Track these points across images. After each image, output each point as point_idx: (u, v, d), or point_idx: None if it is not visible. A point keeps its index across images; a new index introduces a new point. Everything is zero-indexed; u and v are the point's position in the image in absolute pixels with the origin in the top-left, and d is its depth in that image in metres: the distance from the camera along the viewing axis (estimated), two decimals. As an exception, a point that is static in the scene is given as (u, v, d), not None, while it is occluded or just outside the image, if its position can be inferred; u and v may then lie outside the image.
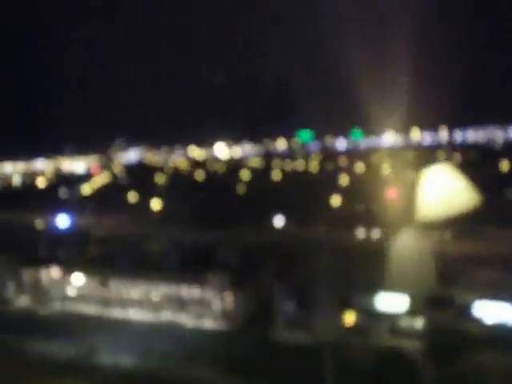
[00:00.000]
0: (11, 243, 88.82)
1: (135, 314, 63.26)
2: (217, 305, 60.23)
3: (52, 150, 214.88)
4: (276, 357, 50.71)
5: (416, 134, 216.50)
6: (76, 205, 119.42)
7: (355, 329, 54.37)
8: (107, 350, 53.73)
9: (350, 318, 54.85)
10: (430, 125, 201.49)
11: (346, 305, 55.12)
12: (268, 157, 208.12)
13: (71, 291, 68.03)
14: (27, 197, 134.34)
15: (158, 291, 63.08)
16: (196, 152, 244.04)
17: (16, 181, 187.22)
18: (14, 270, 72.22)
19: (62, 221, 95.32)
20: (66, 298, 67.94)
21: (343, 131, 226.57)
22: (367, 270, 56.83)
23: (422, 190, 66.78)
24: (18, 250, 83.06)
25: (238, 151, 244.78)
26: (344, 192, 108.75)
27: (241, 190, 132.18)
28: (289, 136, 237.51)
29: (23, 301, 69.14)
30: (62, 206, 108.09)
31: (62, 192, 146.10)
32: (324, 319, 53.11)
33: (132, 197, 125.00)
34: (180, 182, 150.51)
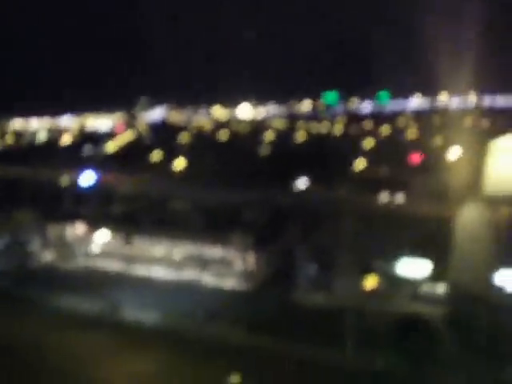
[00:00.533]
0: (36, 199, 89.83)
1: (158, 272, 63.84)
2: (239, 265, 60.50)
3: (77, 107, 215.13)
4: (296, 318, 50.94)
5: (444, 98, 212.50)
6: (100, 162, 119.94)
7: (376, 293, 54.27)
8: (130, 307, 54.38)
9: (371, 282, 54.70)
10: (459, 89, 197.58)
11: (368, 269, 54.94)
12: (292, 118, 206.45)
13: (95, 248, 68.80)
14: (52, 153, 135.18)
15: (180, 250, 63.51)
16: (219, 112, 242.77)
17: (41, 137, 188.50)
18: (39, 226, 73.18)
19: (87, 178, 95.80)
20: (89, 254, 68.77)
21: (370, 93, 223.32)
22: (390, 234, 56.45)
23: (485, 160, 64.07)
24: (43, 205, 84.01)
25: (262, 112, 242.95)
26: (368, 155, 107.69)
27: (264, 151, 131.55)
28: (314, 97, 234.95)
29: (48, 256, 70.10)
30: (87, 163, 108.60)
31: (87, 149, 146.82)
32: (345, 282, 53.04)
33: (156, 155, 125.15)
34: (203, 142, 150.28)
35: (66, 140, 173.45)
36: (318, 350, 44.81)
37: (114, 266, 66.39)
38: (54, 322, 51.85)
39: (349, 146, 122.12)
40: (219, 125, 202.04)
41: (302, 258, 56.92)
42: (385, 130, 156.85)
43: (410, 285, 54.44)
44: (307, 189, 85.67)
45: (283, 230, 63.22)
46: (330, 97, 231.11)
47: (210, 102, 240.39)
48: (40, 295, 57.82)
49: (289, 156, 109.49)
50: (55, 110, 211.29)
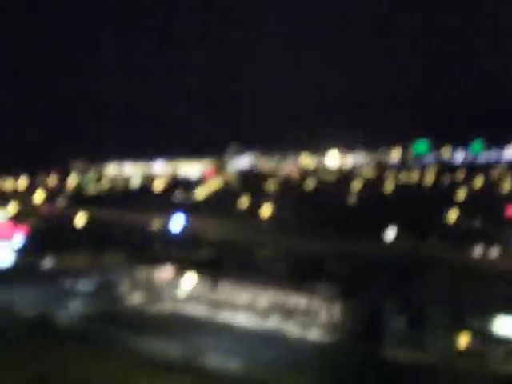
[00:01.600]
0: (128, 241, 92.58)
1: (242, 319, 63.44)
2: (324, 316, 59.09)
3: (169, 152, 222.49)
4: (384, 375, 48.75)
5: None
6: (190, 207, 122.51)
7: (470, 351, 51.28)
8: (213, 353, 54.08)
9: (464, 339, 51.81)
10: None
11: (461, 326, 52.15)
12: (381, 167, 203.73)
13: (182, 292, 69.44)
14: (145, 197, 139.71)
15: (265, 298, 62.94)
16: (307, 160, 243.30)
17: (135, 181, 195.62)
18: (129, 268, 74.95)
19: (176, 222, 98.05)
20: (176, 298, 69.42)
21: (462, 142, 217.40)
22: (485, 289, 53.63)
23: None
24: (133, 247, 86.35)
25: (349, 160, 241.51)
26: (461, 207, 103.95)
27: (352, 200, 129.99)
28: (404, 146, 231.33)
29: (136, 298, 71.38)
30: (177, 208, 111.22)
31: (177, 194, 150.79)
32: (437, 339, 50.48)
33: (243, 202, 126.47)
34: (291, 190, 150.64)
35: (158, 185, 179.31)
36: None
37: (199, 310, 66.64)
38: (137, 364, 52.24)
39: (440, 196, 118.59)
40: (307, 172, 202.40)
41: (390, 311, 54.81)
42: (478, 180, 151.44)
43: (507, 344, 51.09)
44: (396, 240, 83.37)
45: (371, 281, 61.38)
46: (421, 145, 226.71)
47: (298, 150, 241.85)
48: (126, 337, 58.65)
49: (377, 206, 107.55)
50: (149, 156, 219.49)
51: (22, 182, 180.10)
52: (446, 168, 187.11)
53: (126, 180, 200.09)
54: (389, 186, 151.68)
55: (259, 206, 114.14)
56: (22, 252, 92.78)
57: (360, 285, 60.89)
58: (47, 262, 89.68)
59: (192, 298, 68.31)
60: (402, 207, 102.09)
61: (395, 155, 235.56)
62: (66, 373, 50.51)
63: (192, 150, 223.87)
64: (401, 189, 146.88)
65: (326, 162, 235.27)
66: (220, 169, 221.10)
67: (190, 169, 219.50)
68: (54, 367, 51.74)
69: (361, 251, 71.30)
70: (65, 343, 57.70)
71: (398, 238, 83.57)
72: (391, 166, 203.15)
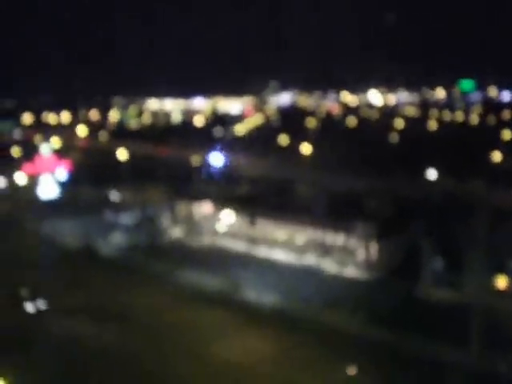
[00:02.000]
0: (168, 177, 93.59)
1: (279, 255, 64.26)
2: (361, 253, 59.38)
3: (210, 89, 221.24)
4: (419, 313, 49.15)
5: None
6: (229, 144, 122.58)
7: (508, 293, 51.06)
8: (250, 287, 55.18)
9: (503, 281, 51.54)
10: None
11: (500, 268, 51.77)
12: (424, 106, 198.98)
13: (221, 227, 70.47)
14: (185, 134, 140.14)
15: (302, 234, 63.43)
16: (348, 97, 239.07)
17: (176, 118, 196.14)
18: (169, 202, 76.19)
19: (216, 159, 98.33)
20: (215, 232, 70.57)
21: (509, 82, 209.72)
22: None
23: None
24: (173, 183, 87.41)
25: (392, 99, 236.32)
26: (506, 148, 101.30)
27: (394, 138, 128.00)
28: (448, 85, 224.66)
29: (176, 232, 72.82)
30: (216, 145, 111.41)
31: (217, 131, 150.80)
32: (475, 280, 50.31)
33: (283, 139, 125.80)
34: (331, 128, 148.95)
35: (198, 121, 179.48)
36: (439, 348, 42.95)
37: (237, 245, 67.72)
38: (178, 296, 53.83)
39: (486, 136, 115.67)
40: (348, 110, 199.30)
41: (428, 251, 54.68)
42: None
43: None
44: (438, 180, 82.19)
45: (410, 220, 61.11)
46: (467, 84, 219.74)
47: (339, 87, 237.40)
48: (166, 269, 60.24)
49: (419, 145, 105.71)
50: (189, 92, 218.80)
51: (65, 117, 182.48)
52: (491, 108, 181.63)
53: (167, 115, 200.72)
54: (432, 125, 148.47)
55: (299, 143, 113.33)
56: (66, 185, 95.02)
57: (398, 223, 60.73)
58: (90, 195, 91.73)
59: (230, 233, 69.29)
60: (445, 147, 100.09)
61: (439, 94, 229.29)
62: (108, 302, 52.50)
63: (232, 87, 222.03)
64: (445, 128, 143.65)
65: (368, 100, 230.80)
66: (260, 106, 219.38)
67: (230, 105, 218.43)
68: (97, 297, 53.81)
69: (401, 190, 70.49)
70: (108, 273, 59.70)
71: (439, 177, 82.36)
72: (435, 105, 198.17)
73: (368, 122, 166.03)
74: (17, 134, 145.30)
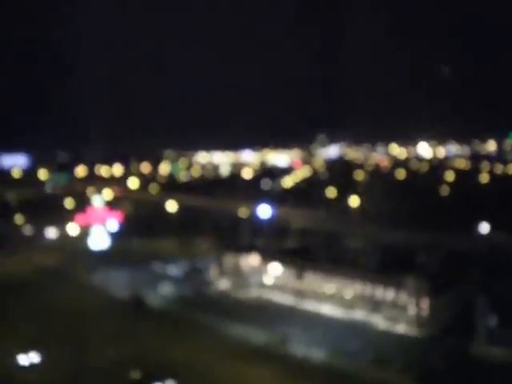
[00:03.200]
0: (216, 228, 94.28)
1: (327, 309, 63.25)
2: (412, 310, 57.88)
3: (258, 142, 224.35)
4: (474, 371, 47.29)
5: None
6: (277, 196, 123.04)
7: None
8: (298, 341, 54.32)
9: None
10: None
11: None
12: (475, 158, 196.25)
13: (268, 279, 70.01)
14: (233, 186, 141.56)
15: (352, 289, 62.39)
16: (397, 150, 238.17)
17: (224, 170, 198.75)
18: (217, 254, 76.36)
19: (264, 211, 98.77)
20: (262, 285, 70.07)
21: None
22: None
23: None
24: (222, 234, 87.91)
25: (441, 151, 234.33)
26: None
27: (444, 191, 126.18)
28: (499, 138, 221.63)
29: (224, 283, 72.69)
30: (265, 197, 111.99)
31: (265, 183, 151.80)
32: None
33: (331, 192, 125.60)
34: (380, 180, 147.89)
35: (246, 174, 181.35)
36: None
37: (284, 298, 67.05)
38: (225, 349, 53.37)
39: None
40: (397, 163, 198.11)
41: (482, 307, 52.94)
42: None
43: None
44: (490, 234, 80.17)
45: (462, 276, 59.48)
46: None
47: (388, 140, 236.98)
48: (214, 321, 59.98)
49: (471, 198, 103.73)
50: (237, 145, 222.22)
51: (117, 169, 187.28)
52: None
53: (215, 168, 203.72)
54: (484, 178, 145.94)
55: (348, 196, 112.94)
56: (117, 236, 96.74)
57: (451, 279, 59.15)
58: (140, 246, 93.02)
59: (278, 286, 68.72)
60: (497, 200, 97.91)
61: (490, 146, 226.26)
62: (157, 354, 52.46)
63: (280, 141, 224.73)
64: (497, 181, 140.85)
65: (417, 152, 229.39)
66: (308, 158, 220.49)
67: (278, 158, 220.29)
68: (147, 348, 53.86)
69: (453, 244, 68.97)
70: (155, 325, 59.82)
71: (492, 232, 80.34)
72: (486, 158, 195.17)
73: (417, 175, 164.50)
74: (70, 185, 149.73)
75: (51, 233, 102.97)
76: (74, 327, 59.13)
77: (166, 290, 71.68)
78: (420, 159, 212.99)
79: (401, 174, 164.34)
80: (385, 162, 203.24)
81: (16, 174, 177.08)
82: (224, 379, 47.67)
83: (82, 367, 50.13)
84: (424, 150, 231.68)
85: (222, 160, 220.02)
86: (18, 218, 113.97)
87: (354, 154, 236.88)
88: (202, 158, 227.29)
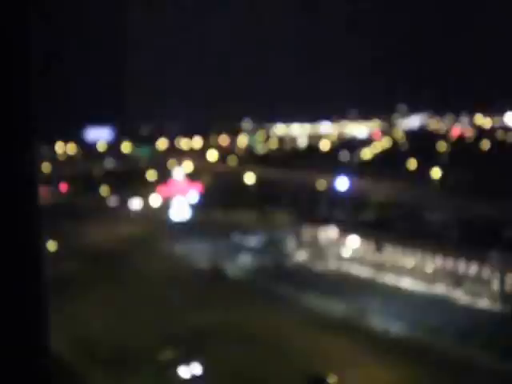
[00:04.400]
0: (295, 200, 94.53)
1: (407, 283, 62.46)
2: (496, 284, 56.26)
3: (337, 113, 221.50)
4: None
5: None
6: (356, 168, 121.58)
7: None
8: (377, 314, 54.04)
9: None
10: None
11: None
12: None
13: (346, 252, 69.81)
14: (312, 158, 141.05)
15: (433, 262, 61.28)
16: (482, 120, 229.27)
17: (302, 142, 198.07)
18: (295, 226, 76.78)
19: (342, 183, 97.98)
20: (340, 258, 70.00)
21: None
22: None
23: None
24: (299, 207, 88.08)
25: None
26: None
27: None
28: None
29: (301, 256, 73.07)
30: (343, 169, 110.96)
31: (344, 155, 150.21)
32: None
33: (412, 164, 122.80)
34: (464, 151, 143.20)
35: (324, 146, 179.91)
36: None
37: (363, 271, 66.69)
38: (302, 319, 53.85)
39: None
40: (481, 133, 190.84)
41: None
42: None
43: None
44: None
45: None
46: None
47: (472, 110, 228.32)
48: (292, 292, 60.57)
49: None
50: (316, 117, 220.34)
51: (196, 142, 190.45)
52: None
53: (293, 140, 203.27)
54: None
55: (429, 168, 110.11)
56: (197, 208, 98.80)
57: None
58: (219, 218, 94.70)
59: (356, 258, 68.42)
60: None
61: None
62: (235, 322, 53.64)
63: (359, 111, 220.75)
64: None
65: (505, 122, 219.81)
66: (388, 129, 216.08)
67: (357, 129, 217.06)
68: (225, 316, 55.19)
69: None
70: (235, 294, 61.10)
71: None
72: None
73: (504, 146, 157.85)
74: (152, 158, 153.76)
75: (135, 204, 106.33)
76: (157, 294, 61.32)
77: (245, 260, 72.84)
78: (507, 129, 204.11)
79: (485, 144, 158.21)
80: (469, 133, 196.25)
81: (101, 147, 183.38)
82: (303, 348, 48.15)
83: (162, 332, 51.87)
84: (511, 119, 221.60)
85: (299, 132, 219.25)
86: (104, 190, 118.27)
87: (436, 124, 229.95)
88: (280, 130, 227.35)
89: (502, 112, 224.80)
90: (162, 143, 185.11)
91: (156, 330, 51.73)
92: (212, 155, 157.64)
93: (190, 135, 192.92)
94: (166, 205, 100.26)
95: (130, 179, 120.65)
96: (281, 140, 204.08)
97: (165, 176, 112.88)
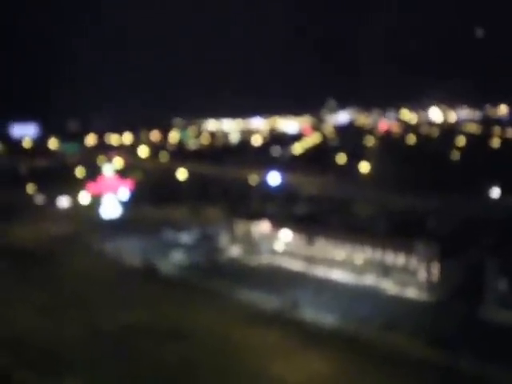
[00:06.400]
0: (227, 196, 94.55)
1: (338, 275, 63.59)
2: (422, 274, 58.05)
3: (269, 108, 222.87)
4: (484, 335, 47.59)
5: None
6: (287, 163, 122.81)
7: None
8: (309, 306, 54.78)
9: None
10: None
11: None
12: (487, 123, 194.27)
13: (278, 246, 70.33)
14: (243, 153, 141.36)
15: (362, 254, 62.57)
16: (408, 115, 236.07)
17: (233, 137, 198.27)
18: (228, 221, 76.70)
19: (273, 178, 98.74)
20: (273, 251, 70.48)
21: None
22: None
23: None
24: (232, 202, 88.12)
25: (452, 116, 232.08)
26: None
27: (455, 156, 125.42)
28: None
29: (235, 250, 73.13)
30: (274, 164, 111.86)
31: (275, 150, 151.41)
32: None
33: (341, 158, 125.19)
34: (390, 146, 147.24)
35: (255, 141, 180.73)
36: (502, 371, 41.43)
37: (295, 264, 67.41)
38: (235, 314, 53.95)
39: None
40: (407, 128, 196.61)
41: (492, 271, 53.01)
42: None
43: None
44: (501, 198, 79.83)
45: (472, 240, 59.44)
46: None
47: (398, 105, 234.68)
48: (225, 288, 60.53)
49: (482, 163, 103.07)
50: (246, 112, 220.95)
51: (127, 138, 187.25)
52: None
53: (225, 136, 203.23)
54: (495, 143, 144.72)
55: (357, 162, 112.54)
56: (128, 204, 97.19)
57: (461, 243, 59.13)
58: (151, 214, 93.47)
59: (288, 252, 69.03)
60: (508, 164, 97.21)
61: (503, 111, 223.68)
62: (168, 319, 53.18)
63: (290, 107, 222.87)
64: (509, 146, 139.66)
65: (429, 117, 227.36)
66: (317, 125, 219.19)
67: (288, 125, 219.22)
68: (158, 314, 54.60)
69: (462, 209, 68.75)
70: (166, 291, 60.50)
71: (503, 196, 79.96)
72: (499, 122, 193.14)
73: (428, 140, 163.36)
74: (81, 154, 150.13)
75: (63, 202, 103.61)
76: (87, 292, 59.97)
77: (178, 257, 72.27)
78: (431, 124, 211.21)
79: (411, 139, 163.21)
80: (395, 128, 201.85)
81: (27, 143, 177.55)
82: (236, 342, 48.23)
83: (92, 331, 50.82)
84: (435, 115, 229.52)
85: (231, 127, 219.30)
86: (30, 188, 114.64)
87: (364, 119, 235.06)
88: (212, 125, 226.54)
89: (426, 107, 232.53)
90: (90, 139, 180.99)
91: (80, 329, 50.75)
92: (143, 151, 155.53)
93: (120, 131, 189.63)
94: (95, 202, 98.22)
95: (58, 176, 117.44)
96: (213, 135, 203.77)
97: (94, 173, 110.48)
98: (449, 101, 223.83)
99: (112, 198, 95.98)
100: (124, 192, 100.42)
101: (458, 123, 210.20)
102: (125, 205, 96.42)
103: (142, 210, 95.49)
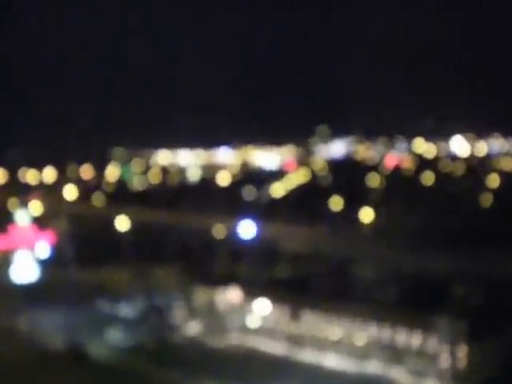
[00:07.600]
0: (183, 252, 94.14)
1: (332, 360, 63.54)
2: (445, 360, 58.34)
3: (239, 137, 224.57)
4: None
5: None
6: (264, 209, 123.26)
7: None
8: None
9: None
10: None
11: None
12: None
13: (252, 321, 70.32)
14: (205, 195, 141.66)
15: (364, 332, 62.82)
16: (424, 147, 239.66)
17: (193, 174, 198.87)
18: (184, 288, 76.48)
19: (246, 229, 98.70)
20: (245, 329, 70.39)
21: None
22: None
23: None
24: (191, 261, 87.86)
25: (482, 148, 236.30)
26: None
27: (486, 199, 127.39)
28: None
29: (193, 328, 72.86)
30: (247, 210, 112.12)
31: (248, 191, 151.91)
32: None
33: (336, 203, 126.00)
34: (401, 186, 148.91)
35: (222, 179, 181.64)
36: None
37: (275, 346, 67.23)
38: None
39: None
40: (423, 163, 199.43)
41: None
42: None
43: None
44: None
45: (510, 313, 60.06)
46: None
47: (410, 134, 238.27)
48: (180, 379, 59.98)
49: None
50: (210, 142, 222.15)
51: (49, 174, 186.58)
52: None
53: (182, 172, 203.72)
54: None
55: (357, 208, 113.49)
56: (48, 264, 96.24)
57: (495, 318, 59.62)
58: (80, 278, 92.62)
59: (266, 330, 69.03)
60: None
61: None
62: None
63: (268, 135, 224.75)
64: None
65: (451, 150, 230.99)
66: (304, 158, 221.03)
67: (265, 158, 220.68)
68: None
69: (496, 272, 69.57)
70: (101, 382, 59.66)
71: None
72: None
73: (451, 179, 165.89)
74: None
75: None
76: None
77: (116, 336, 71.77)
78: (453, 158, 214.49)
79: (428, 177, 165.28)
80: (407, 163, 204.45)
81: None
82: None
83: None
84: (459, 146, 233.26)
85: (189, 161, 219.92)
86: None
87: (365, 151, 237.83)
88: (164, 158, 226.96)
89: (447, 136, 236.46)
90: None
91: None
92: (70, 192, 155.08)
93: (39, 165, 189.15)
94: (4, 261, 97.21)
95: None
96: (165, 171, 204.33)
97: (2, 221, 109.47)
98: (477, 129, 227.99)
99: (27, 256, 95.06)
100: (43, 247, 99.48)
101: (489, 157, 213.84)
102: (44, 264, 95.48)
103: (67, 271, 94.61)
